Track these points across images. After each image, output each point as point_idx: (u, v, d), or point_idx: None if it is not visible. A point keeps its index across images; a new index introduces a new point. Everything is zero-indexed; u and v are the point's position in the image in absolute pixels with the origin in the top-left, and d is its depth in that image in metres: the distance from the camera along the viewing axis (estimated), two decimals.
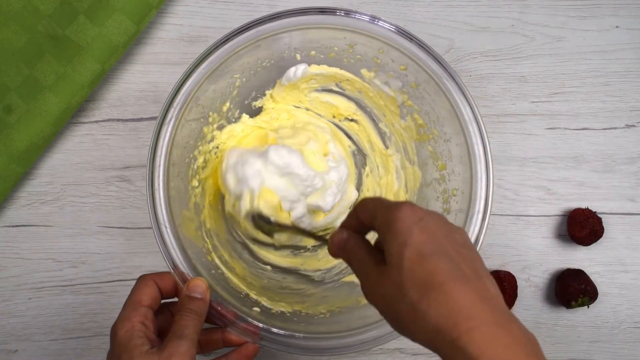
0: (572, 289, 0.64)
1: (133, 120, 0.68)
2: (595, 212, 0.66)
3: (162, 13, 0.68)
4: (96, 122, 0.67)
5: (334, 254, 0.43)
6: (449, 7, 0.69)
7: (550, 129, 0.69)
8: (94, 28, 0.62)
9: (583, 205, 0.67)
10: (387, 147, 0.64)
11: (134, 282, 0.65)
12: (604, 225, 0.66)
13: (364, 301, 0.56)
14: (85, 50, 0.62)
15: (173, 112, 0.52)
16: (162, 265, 0.66)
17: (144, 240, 0.66)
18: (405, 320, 0.35)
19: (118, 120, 0.68)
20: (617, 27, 0.70)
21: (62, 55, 0.62)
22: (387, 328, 0.49)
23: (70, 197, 0.67)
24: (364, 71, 0.59)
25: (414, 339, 0.35)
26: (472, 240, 0.51)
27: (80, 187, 0.67)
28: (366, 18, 0.53)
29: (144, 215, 0.67)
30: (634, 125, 0.69)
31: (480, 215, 0.51)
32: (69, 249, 0.66)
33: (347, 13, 0.53)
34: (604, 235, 0.66)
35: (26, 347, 0.65)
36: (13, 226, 0.66)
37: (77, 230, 0.66)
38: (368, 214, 0.40)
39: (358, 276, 0.40)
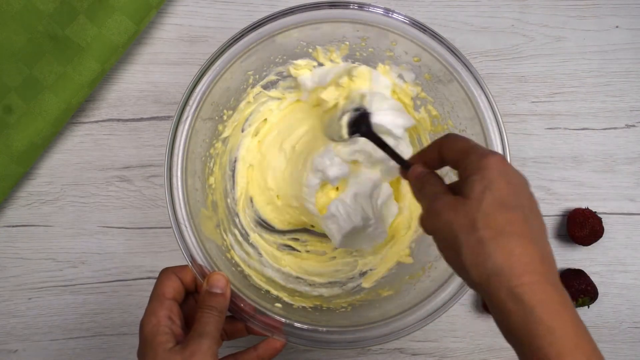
0: (572, 289, 0.64)
1: (133, 120, 0.68)
2: (595, 212, 0.66)
3: (162, 13, 0.68)
4: (96, 122, 0.67)
5: (411, 176, 0.44)
6: (449, 7, 0.69)
7: (550, 129, 0.69)
8: (94, 28, 0.62)
9: (583, 205, 0.67)
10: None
11: (133, 282, 0.65)
12: (604, 225, 0.66)
13: (385, 294, 0.56)
14: (85, 50, 0.62)
15: (189, 111, 0.52)
16: (162, 265, 0.66)
17: (144, 240, 0.66)
18: (466, 254, 0.36)
19: (118, 120, 0.68)
20: (617, 27, 0.70)
21: (62, 55, 0.62)
22: (407, 320, 0.50)
23: (70, 197, 0.67)
24: (379, 65, 0.59)
25: (466, 276, 0.37)
26: None
27: (80, 187, 0.67)
28: (380, 11, 0.53)
29: (144, 215, 0.67)
30: (634, 125, 0.69)
31: None
32: (69, 249, 0.66)
33: (361, 6, 0.53)
34: (604, 235, 0.66)
35: (26, 347, 0.65)
36: (13, 226, 0.66)
37: (77, 230, 0.66)
38: (455, 153, 0.41)
39: (425, 200, 0.41)
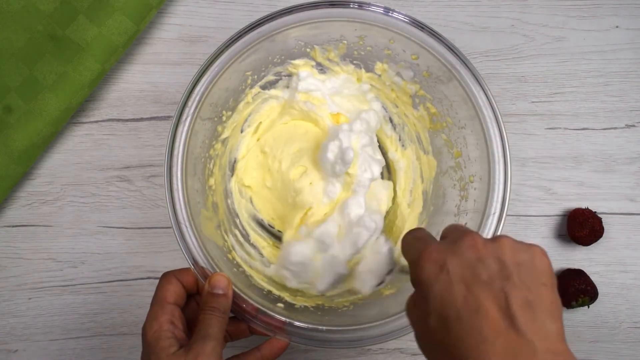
0: (572, 289, 0.64)
1: (133, 120, 0.68)
2: (595, 212, 0.66)
3: (162, 13, 0.68)
4: (96, 122, 0.67)
5: None
6: (449, 7, 0.69)
7: (550, 129, 0.69)
8: (94, 28, 0.62)
9: (583, 205, 0.67)
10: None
11: (133, 282, 0.65)
12: (604, 225, 0.66)
13: (387, 292, 0.57)
14: (85, 50, 0.62)
15: (188, 112, 0.52)
16: (162, 265, 0.66)
17: (144, 240, 0.66)
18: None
19: (118, 120, 0.68)
20: (617, 27, 0.70)
21: (62, 55, 0.62)
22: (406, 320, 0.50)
23: (70, 197, 0.67)
24: (377, 64, 0.59)
25: None
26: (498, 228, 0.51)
27: (80, 187, 0.67)
28: (380, 10, 0.53)
29: (144, 216, 0.67)
30: (634, 125, 0.69)
31: (500, 199, 0.51)
32: (69, 249, 0.66)
33: (360, 5, 0.53)
34: (604, 235, 0.66)
35: (26, 347, 0.65)
36: (13, 226, 0.66)
37: (77, 230, 0.66)
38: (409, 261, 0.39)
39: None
